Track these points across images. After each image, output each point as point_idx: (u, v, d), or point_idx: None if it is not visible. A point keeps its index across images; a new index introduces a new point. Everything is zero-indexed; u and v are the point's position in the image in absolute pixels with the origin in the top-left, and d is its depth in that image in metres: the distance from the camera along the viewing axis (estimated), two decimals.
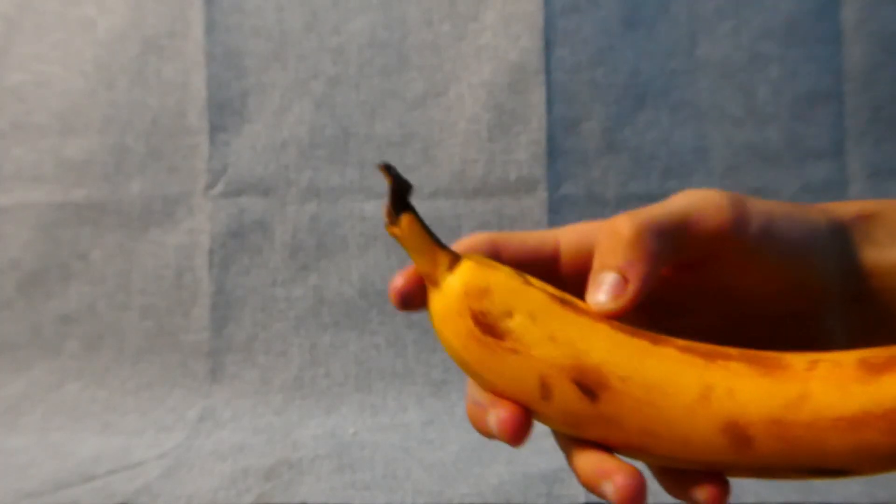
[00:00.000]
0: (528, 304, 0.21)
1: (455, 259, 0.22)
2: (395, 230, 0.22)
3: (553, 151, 0.70)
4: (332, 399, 0.70)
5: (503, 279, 0.22)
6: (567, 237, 0.25)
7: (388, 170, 0.21)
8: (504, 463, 0.59)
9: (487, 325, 0.21)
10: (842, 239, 0.24)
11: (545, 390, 0.21)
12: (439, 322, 0.22)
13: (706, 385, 0.20)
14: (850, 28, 0.69)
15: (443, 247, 0.22)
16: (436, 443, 0.63)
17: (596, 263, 0.22)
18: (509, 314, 0.21)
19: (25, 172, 0.74)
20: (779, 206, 0.24)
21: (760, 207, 0.23)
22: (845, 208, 0.25)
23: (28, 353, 0.73)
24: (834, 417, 0.18)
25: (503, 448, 0.62)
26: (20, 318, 0.74)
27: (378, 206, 0.72)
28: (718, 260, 0.23)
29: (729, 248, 0.23)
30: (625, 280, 0.21)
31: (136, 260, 0.73)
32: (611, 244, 0.22)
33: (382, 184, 0.72)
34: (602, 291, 0.22)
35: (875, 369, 0.19)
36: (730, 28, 0.70)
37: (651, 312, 0.24)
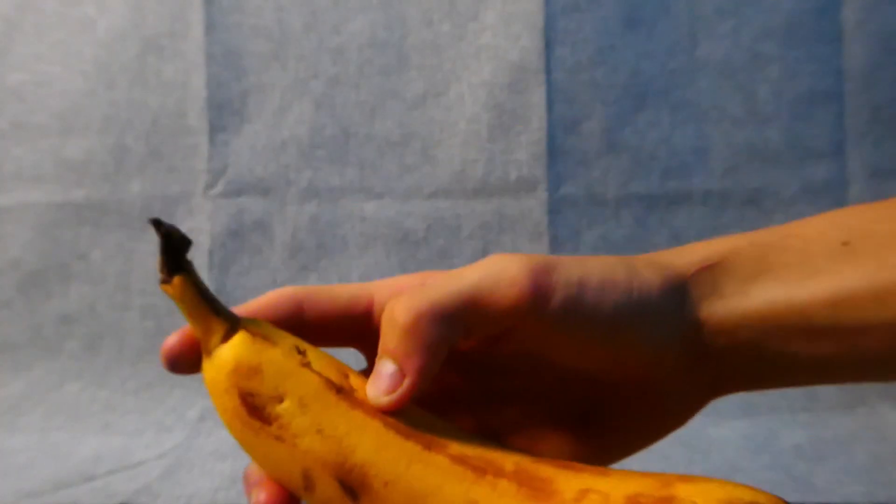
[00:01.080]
0: (299, 390, 0.20)
1: (232, 328, 0.21)
2: (168, 289, 0.21)
3: (553, 151, 0.70)
4: None
5: (278, 358, 0.20)
6: (381, 293, 0.23)
7: (159, 226, 0.20)
8: None
9: (254, 407, 0.20)
10: (679, 299, 0.22)
11: (307, 482, 0.20)
12: (210, 392, 0.21)
13: (470, 501, 0.19)
14: (850, 28, 0.69)
15: (220, 313, 0.21)
16: None
17: (380, 346, 0.21)
18: (279, 398, 0.20)
19: (25, 172, 0.74)
20: (598, 270, 0.21)
21: (568, 278, 0.21)
22: (686, 258, 0.22)
23: (28, 353, 0.73)
24: None
25: None
26: (20, 318, 0.74)
27: (378, 206, 0.72)
28: (521, 334, 0.21)
29: (528, 324, 0.21)
30: (401, 373, 0.20)
31: (137, 260, 0.73)
32: (388, 329, 0.20)
33: (382, 183, 0.72)
34: (377, 385, 0.20)
35: None
36: (730, 28, 0.70)
37: (468, 373, 0.23)
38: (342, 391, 0.20)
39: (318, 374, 0.21)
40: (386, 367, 0.20)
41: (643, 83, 0.70)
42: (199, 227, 0.72)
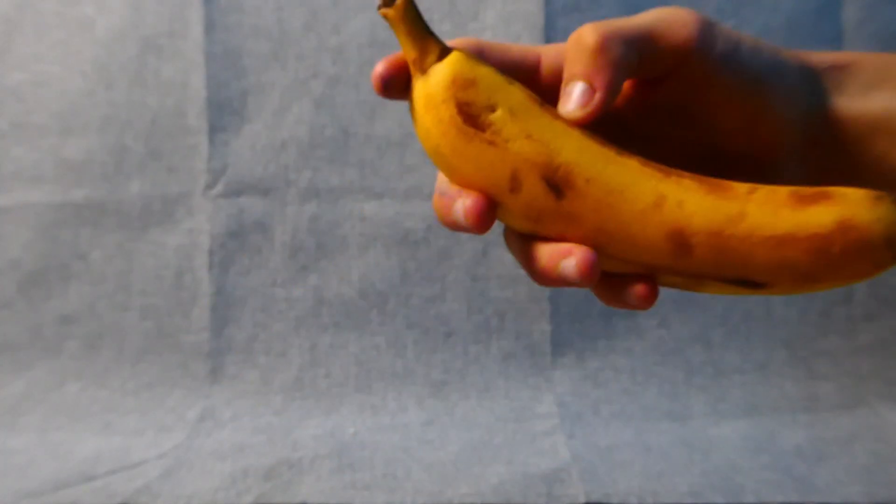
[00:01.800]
0: (509, 101, 0.22)
1: (445, 50, 0.23)
2: (389, 12, 0.23)
3: None
4: (331, 399, 0.70)
5: (489, 74, 0.23)
6: (548, 53, 0.25)
7: None
8: (504, 463, 0.59)
9: (470, 115, 0.22)
10: (811, 84, 0.24)
11: (514, 183, 0.22)
12: (421, 108, 0.23)
13: (660, 194, 0.22)
14: (850, 28, 0.69)
15: (434, 36, 0.23)
16: (436, 443, 0.63)
17: (565, 73, 0.23)
18: (492, 108, 0.22)
19: (25, 173, 0.74)
20: (750, 37, 0.24)
21: (729, 33, 0.24)
22: (819, 57, 0.25)
23: (28, 353, 0.73)
24: (765, 235, 0.21)
25: (503, 448, 0.62)
26: (20, 319, 0.74)
27: (378, 206, 0.72)
28: (681, 78, 0.24)
29: (692, 65, 0.23)
30: (592, 89, 0.22)
31: (136, 260, 0.73)
32: (576, 54, 0.23)
33: (382, 183, 0.72)
34: (571, 101, 0.22)
35: (804, 200, 0.21)
36: (730, 28, 0.70)
37: (612, 138, 0.25)
38: (544, 106, 0.23)
39: (523, 90, 0.23)
40: (576, 87, 0.22)
41: None
42: (199, 227, 0.72)
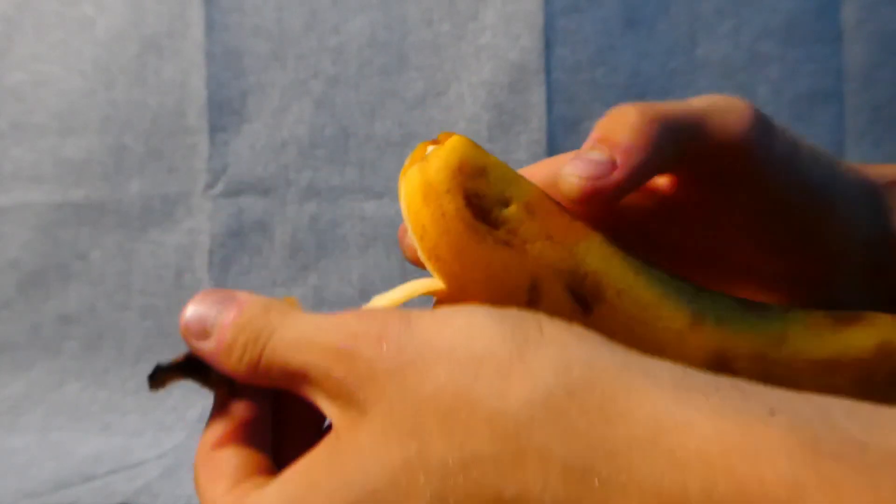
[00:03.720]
0: (525, 195, 0.19)
1: (444, 137, 0.20)
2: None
3: (553, 151, 0.70)
4: None
5: (500, 163, 0.19)
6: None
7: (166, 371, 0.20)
8: None
9: (481, 209, 0.18)
10: (872, 201, 0.21)
11: (534, 293, 0.18)
12: (418, 201, 0.19)
13: (697, 312, 0.19)
14: (850, 28, 0.69)
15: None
16: None
17: (587, 142, 0.19)
18: (505, 202, 0.19)
19: (24, 172, 0.74)
20: (807, 142, 0.21)
21: (786, 133, 0.20)
22: (879, 171, 0.22)
23: (28, 353, 0.73)
24: (809, 360, 0.19)
25: None
26: (20, 318, 0.74)
27: (378, 206, 0.72)
28: (725, 180, 0.20)
29: (745, 165, 0.20)
30: (612, 164, 0.18)
31: (136, 260, 0.73)
32: (610, 124, 0.19)
33: (382, 183, 0.72)
34: (581, 166, 0.18)
35: (840, 321, 0.19)
36: (730, 28, 0.70)
37: (624, 242, 0.21)
38: (559, 203, 0.19)
39: (535, 185, 0.19)
40: (595, 154, 0.18)
41: (643, 83, 0.70)
42: (199, 227, 0.72)
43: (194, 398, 0.70)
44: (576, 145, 0.71)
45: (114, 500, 0.55)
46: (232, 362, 0.19)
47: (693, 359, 0.19)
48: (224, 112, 0.72)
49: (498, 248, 0.18)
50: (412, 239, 0.19)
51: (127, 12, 0.73)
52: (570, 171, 0.18)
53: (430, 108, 0.71)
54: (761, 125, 0.20)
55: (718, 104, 0.20)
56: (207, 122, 0.72)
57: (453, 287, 0.19)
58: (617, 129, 0.19)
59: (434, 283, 0.19)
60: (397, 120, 0.71)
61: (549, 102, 0.70)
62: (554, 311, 0.18)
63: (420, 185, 0.19)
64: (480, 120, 0.71)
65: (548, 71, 0.70)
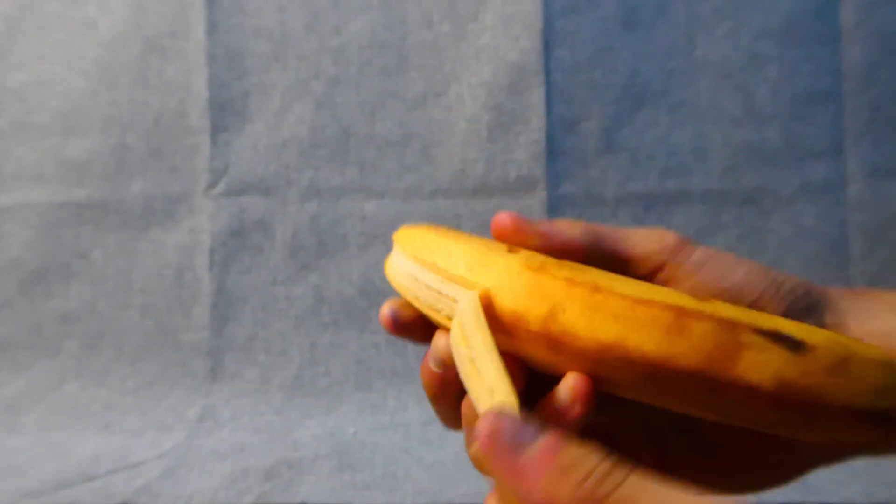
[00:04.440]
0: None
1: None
2: None
3: (552, 151, 0.70)
4: (332, 398, 0.70)
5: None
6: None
7: None
8: None
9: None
10: (808, 296, 0.22)
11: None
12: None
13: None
14: (849, 28, 0.69)
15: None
16: (436, 443, 0.63)
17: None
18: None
19: (26, 172, 0.74)
20: (733, 255, 0.22)
21: (710, 249, 0.22)
22: (854, 291, 0.23)
23: (28, 352, 0.73)
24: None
25: None
26: (20, 318, 0.74)
27: (378, 206, 0.72)
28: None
29: (663, 271, 0.22)
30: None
31: (137, 259, 0.73)
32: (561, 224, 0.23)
33: (383, 183, 0.72)
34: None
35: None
36: (728, 28, 0.70)
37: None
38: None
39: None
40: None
41: (641, 83, 0.70)
42: (201, 227, 0.73)
43: (194, 396, 0.70)
44: (575, 145, 0.72)
45: (114, 500, 0.55)
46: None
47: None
48: (225, 112, 0.73)
49: None
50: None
51: (129, 13, 0.73)
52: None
53: (430, 108, 0.71)
54: (679, 241, 0.22)
55: (648, 231, 0.23)
56: (209, 122, 0.72)
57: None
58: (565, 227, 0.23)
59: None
60: (397, 120, 0.72)
61: (549, 103, 0.70)
62: None
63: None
64: (480, 120, 0.71)
65: (547, 72, 0.70)
